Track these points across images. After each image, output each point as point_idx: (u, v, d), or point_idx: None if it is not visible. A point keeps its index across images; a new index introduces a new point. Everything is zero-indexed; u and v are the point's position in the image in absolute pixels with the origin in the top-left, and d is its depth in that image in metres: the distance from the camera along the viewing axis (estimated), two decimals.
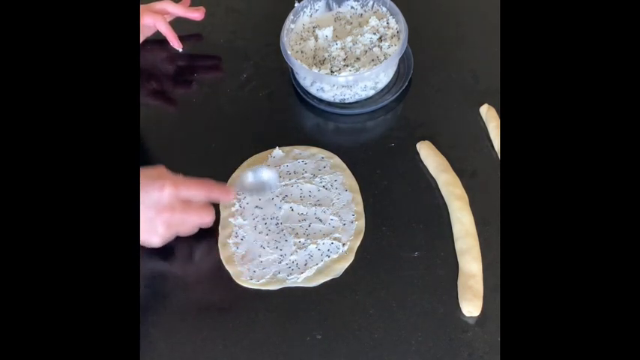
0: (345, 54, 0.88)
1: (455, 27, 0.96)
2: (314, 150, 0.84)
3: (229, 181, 0.81)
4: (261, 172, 0.80)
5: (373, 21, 0.90)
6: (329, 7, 0.94)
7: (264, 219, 0.78)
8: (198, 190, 0.73)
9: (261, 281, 0.73)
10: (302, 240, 0.76)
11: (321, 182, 0.80)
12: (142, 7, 0.92)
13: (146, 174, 0.70)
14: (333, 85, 0.85)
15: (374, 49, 0.88)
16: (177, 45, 0.95)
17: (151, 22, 0.93)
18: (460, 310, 0.69)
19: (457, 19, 0.97)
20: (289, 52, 0.87)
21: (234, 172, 0.82)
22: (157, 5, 0.94)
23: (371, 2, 0.92)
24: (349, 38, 0.89)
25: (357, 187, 0.80)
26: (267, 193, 0.80)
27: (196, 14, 0.95)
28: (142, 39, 0.94)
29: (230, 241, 0.76)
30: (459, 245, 0.73)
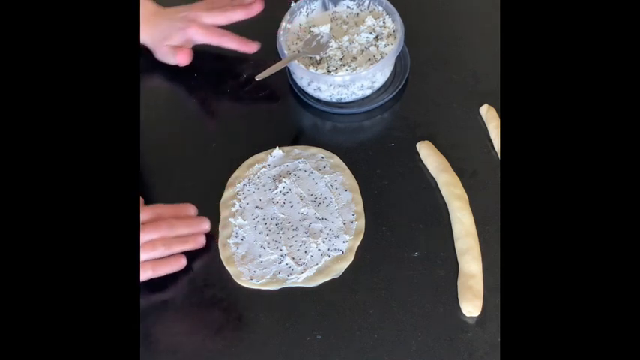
0: (342, 53, 0.88)
1: (452, 26, 0.96)
2: (314, 150, 0.84)
3: (229, 181, 0.81)
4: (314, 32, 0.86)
5: (369, 20, 0.90)
6: (325, 7, 0.93)
7: (264, 219, 0.78)
8: None
9: (261, 281, 0.73)
10: (302, 240, 0.76)
11: (321, 182, 0.80)
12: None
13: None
14: (330, 85, 0.85)
15: (370, 48, 0.88)
16: (252, 48, 0.91)
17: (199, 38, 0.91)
18: (460, 310, 0.70)
19: (454, 19, 0.97)
20: (286, 52, 0.86)
21: (234, 172, 0.82)
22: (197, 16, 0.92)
23: (367, 1, 0.92)
24: (346, 38, 0.89)
25: (357, 187, 0.80)
26: (326, 48, 0.86)
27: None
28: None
29: (230, 241, 0.76)
30: (459, 245, 0.73)
